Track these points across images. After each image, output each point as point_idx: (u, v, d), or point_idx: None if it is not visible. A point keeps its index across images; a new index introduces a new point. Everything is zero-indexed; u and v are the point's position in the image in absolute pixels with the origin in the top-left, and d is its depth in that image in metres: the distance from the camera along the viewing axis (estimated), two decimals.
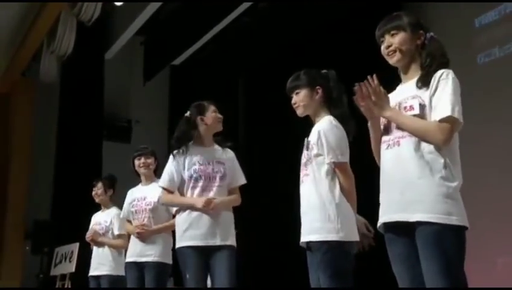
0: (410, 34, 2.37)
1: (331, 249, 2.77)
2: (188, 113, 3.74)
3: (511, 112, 5.37)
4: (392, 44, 2.38)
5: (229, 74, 8.98)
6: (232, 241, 3.61)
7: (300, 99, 3.02)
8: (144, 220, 4.41)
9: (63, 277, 7.20)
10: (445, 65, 2.33)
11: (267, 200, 7.63)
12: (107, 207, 5.23)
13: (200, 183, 3.59)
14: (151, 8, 7.66)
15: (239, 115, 9.10)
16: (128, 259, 4.43)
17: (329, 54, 6.54)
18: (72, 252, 6.90)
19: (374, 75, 2.33)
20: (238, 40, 8.33)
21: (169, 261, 4.38)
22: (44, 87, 8.71)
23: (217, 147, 3.76)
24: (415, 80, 2.36)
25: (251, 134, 8.92)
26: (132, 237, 4.48)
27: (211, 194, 3.58)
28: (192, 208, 3.55)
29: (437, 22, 5.92)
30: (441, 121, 2.22)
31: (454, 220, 2.18)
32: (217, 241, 3.53)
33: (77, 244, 6.76)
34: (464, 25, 5.90)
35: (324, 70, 3.11)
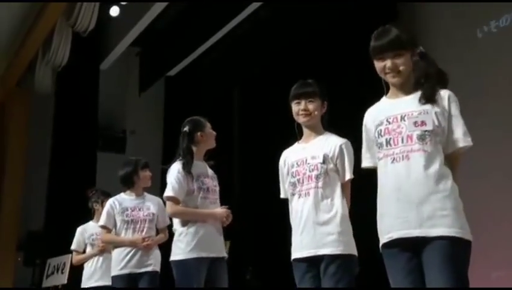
0: (409, 53, 2.42)
1: (346, 261, 2.84)
2: (186, 128, 3.77)
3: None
4: (397, 66, 2.41)
5: (224, 85, 8.99)
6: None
7: (314, 108, 3.01)
8: (143, 230, 4.42)
9: (55, 288, 7.15)
10: (445, 83, 2.41)
11: (261, 212, 7.61)
12: None
13: (210, 195, 3.70)
14: (147, 19, 7.68)
15: (233, 125, 9.10)
16: (122, 271, 4.33)
17: (324, 66, 6.55)
18: (64, 263, 6.85)
19: None
20: (233, 52, 8.35)
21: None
22: (39, 97, 8.70)
23: (205, 162, 3.86)
24: (413, 96, 2.41)
25: (245, 145, 8.91)
26: (121, 249, 4.40)
27: (215, 206, 3.70)
28: (207, 219, 3.62)
29: (433, 21, 5.94)
30: (462, 148, 2.34)
31: (467, 234, 2.24)
32: (222, 253, 3.69)
33: (69, 255, 6.71)
34: (463, 27, 5.85)
35: None
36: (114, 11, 7.91)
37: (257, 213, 7.76)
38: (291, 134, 3.14)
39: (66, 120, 8.63)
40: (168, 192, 3.65)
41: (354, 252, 2.88)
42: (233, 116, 9.14)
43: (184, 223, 3.63)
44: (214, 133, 3.85)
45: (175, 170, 3.67)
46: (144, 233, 4.40)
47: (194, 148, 3.75)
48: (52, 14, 7.27)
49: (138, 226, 4.43)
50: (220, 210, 3.66)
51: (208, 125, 3.84)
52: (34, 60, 8.26)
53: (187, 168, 3.65)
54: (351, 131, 3.00)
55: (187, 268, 3.55)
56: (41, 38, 7.74)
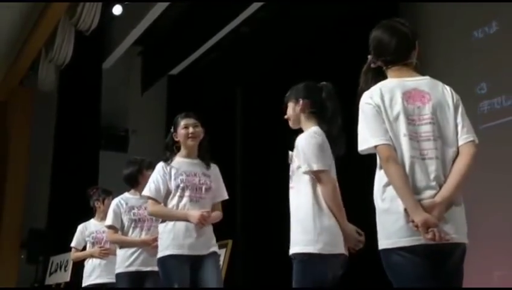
0: None
1: (304, 260, 2.79)
2: (172, 127, 3.83)
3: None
4: None
5: (227, 84, 9.00)
6: (215, 248, 3.69)
7: (288, 113, 3.10)
8: (150, 229, 4.41)
9: (58, 286, 7.17)
10: (363, 88, 2.47)
11: (264, 210, 7.62)
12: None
13: (187, 193, 3.63)
14: (150, 18, 7.69)
15: (236, 124, 9.11)
16: (128, 268, 4.33)
17: (328, 64, 6.55)
18: (67, 261, 6.86)
19: None
20: (236, 50, 8.36)
21: None
22: (42, 96, 8.71)
23: (200, 160, 3.81)
24: None
25: (248, 144, 8.92)
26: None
27: (198, 206, 3.63)
28: (181, 220, 3.59)
29: (435, 20, 5.93)
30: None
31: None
32: (203, 251, 3.60)
33: (72, 252, 6.74)
34: (464, 27, 5.84)
35: (322, 83, 3.11)
36: (117, 10, 7.91)
37: (259, 212, 7.77)
38: (294, 133, 3.15)
39: (69, 119, 8.64)
40: (145, 191, 3.74)
41: (322, 250, 2.76)
42: (235, 115, 9.15)
43: (162, 222, 3.67)
44: (190, 131, 3.72)
45: (156, 169, 3.75)
46: (150, 231, 4.42)
47: (178, 146, 3.77)
48: (55, 13, 7.28)
49: (145, 224, 4.44)
50: (194, 213, 3.57)
51: (182, 124, 3.76)
52: (37, 58, 8.27)
53: (165, 165, 3.71)
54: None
55: (166, 266, 3.56)
56: (44, 36, 7.75)
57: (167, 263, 3.55)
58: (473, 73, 5.57)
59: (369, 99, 2.34)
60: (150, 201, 3.72)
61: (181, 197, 3.63)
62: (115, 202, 4.57)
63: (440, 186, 2.24)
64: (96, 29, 7.53)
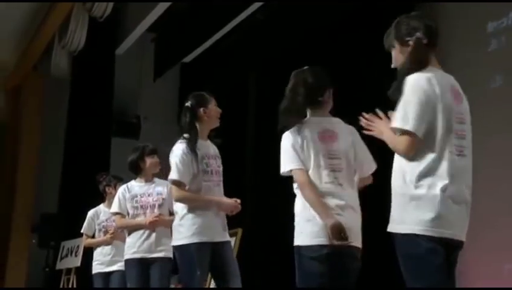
0: (398, 48, 2.42)
1: (297, 253, 2.81)
2: (188, 103, 3.59)
3: None
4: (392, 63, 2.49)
5: (239, 72, 8.98)
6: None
7: None
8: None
9: (68, 271, 7.22)
10: (417, 66, 2.34)
11: (275, 199, 7.61)
12: None
13: (214, 177, 3.52)
14: (163, 5, 7.67)
15: (248, 112, 9.09)
16: (134, 255, 4.40)
17: (341, 52, 6.52)
18: (78, 246, 6.92)
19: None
20: (249, 38, 8.32)
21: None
22: (55, 81, 8.74)
23: (210, 141, 3.68)
24: None
25: (260, 132, 8.90)
26: (135, 233, 4.45)
27: (219, 189, 3.56)
28: (213, 206, 3.50)
29: (449, 21, 5.87)
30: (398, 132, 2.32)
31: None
32: (225, 237, 3.55)
33: (83, 238, 6.78)
34: (477, 24, 5.79)
35: (304, 68, 3.06)
36: None
37: (270, 200, 7.76)
38: None
39: (81, 104, 8.67)
40: (173, 175, 3.47)
41: (302, 242, 2.78)
42: (248, 103, 9.13)
43: (185, 207, 3.49)
44: (219, 110, 3.63)
45: (179, 150, 3.48)
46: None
47: (198, 125, 3.56)
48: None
49: (148, 211, 4.46)
50: (228, 201, 3.51)
51: (213, 101, 3.63)
52: (50, 44, 8.29)
53: (191, 146, 3.45)
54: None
55: (189, 254, 3.43)
56: (58, 22, 7.76)
57: (191, 251, 3.43)
58: (486, 71, 5.52)
59: (427, 85, 2.30)
60: (173, 186, 3.50)
61: (207, 181, 3.49)
62: (120, 189, 4.64)
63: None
64: (110, 15, 7.53)
